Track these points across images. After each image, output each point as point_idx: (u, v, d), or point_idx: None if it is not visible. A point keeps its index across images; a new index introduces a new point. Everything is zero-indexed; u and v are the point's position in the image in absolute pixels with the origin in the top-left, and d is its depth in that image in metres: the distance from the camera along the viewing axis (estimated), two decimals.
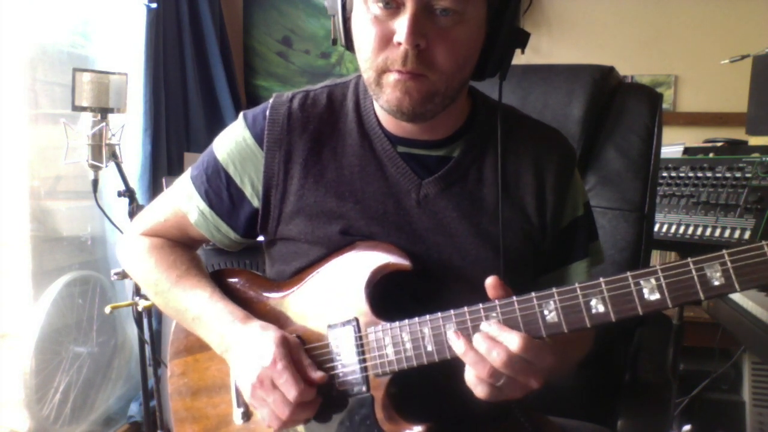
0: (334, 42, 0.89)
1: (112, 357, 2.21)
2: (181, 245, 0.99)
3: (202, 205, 0.94)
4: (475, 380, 0.73)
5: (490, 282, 0.75)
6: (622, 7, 2.74)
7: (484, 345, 0.72)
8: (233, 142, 0.93)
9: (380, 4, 0.76)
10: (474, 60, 0.83)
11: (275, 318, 0.90)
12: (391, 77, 0.78)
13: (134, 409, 2.26)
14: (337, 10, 0.84)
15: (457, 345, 0.74)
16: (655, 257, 2.32)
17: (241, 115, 0.95)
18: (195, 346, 0.96)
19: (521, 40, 0.85)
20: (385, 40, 0.77)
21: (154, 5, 2.22)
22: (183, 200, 0.95)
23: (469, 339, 0.74)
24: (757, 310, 1.36)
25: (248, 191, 0.92)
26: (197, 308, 0.90)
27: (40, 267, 1.96)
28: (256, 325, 0.86)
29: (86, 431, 2.09)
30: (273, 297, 0.92)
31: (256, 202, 0.92)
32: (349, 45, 0.85)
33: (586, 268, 0.96)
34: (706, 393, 2.16)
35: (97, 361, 2.12)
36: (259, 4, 3.00)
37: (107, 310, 1.75)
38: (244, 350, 0.84)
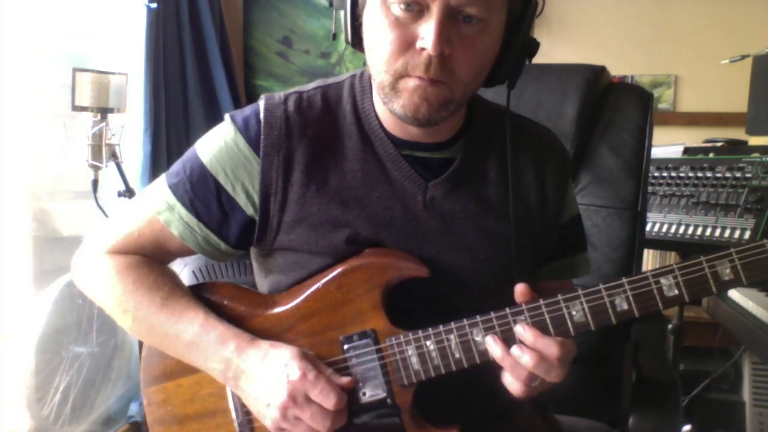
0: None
1: (112, 357, 2.21)
2: (157, 262, 0.90)
3: (188, 216, 0.85)
4: (512, 381, 0.76)
5: (520, 289, 0.76)
6: (622, 7, 2.75)
7: (526, 355, 0.74)
8: (223, 147, 0.85)
9: (402, 6, 0.73)
10: (489, 68, 0.82)
11: (276, 335, 0.84)
12: (411, 83, 0.76)
13: (134, 409, 2.26)
14: (346, 5, 0.80)
15: (495, 350, 0.76)
16: (656, 257, 2.32)
17: (227, 117, 0.87)
18: (175, 371, 0.89)
19: (533, 49, 0.84)
20: (406, 44, 0.74)
21: (154, 5, 2.22)
22: (161, 211, 0.86)
23: (504, 343, 0.76)
24: (757, 310, 1.37)
25: (241, 200, 0.85)
26: (191, 334, 0.82)
27: (40, 267, 1.96)
28: (266, 345, 0.81)
29: (86, 431, 2.09)
30: (271, 312, 0.86)
31: (250, 212, 0.86)
32: (356, 43, 0.82)
33: (586, 260, 0.99)
34: (706, 393, 2.16)
35: (97, 361, 2.11)
36: (259, 4, 3.00)
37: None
38: (262, 373, 0.78)
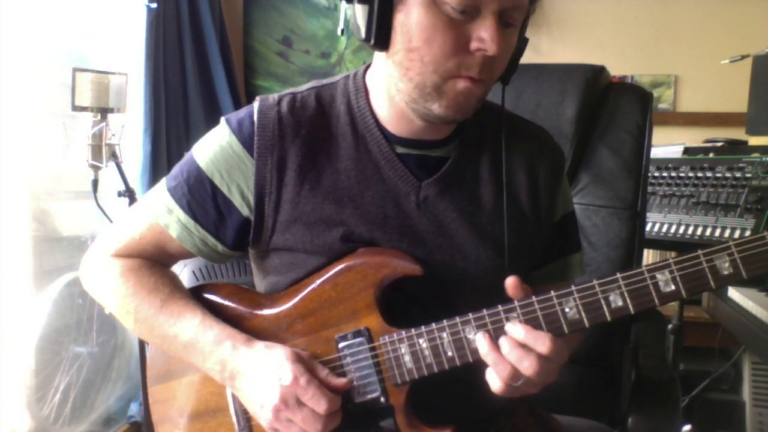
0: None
1: (112, 357, 2.21)
2: (159, 265, 0.92)
3: (185, 218, 0.87)
4: (495, 379, 0.74)
5: (510, 282, 0.75)
6: (622, 7, 2.74)
7: (515, 353, 0.73)
8: (218, 149, 0.87)
9: (458, 9, 0.73)
10: None
11: (274, 334, 0.85)
12: (460, 84, 0.77)
13: (134, 409, 2.26)
14: (374, 2, 0.76)
15: (482, 345, 0.75)
16: (655, 258, 2.32)
17: (223, 120, 0.89)
18: (180, 370, 0.91)
19: (524, 47, 0.87)
20: (461, 45, 0.75)
21: (154, 5, 2.22)
22: (161, 214, 0.88)
23: (493, 340, 0.75)
24: (757, 310, 1.36)
25: (237, 201, 0.86)
26: (189, 335, 0.84)
27: (40, 267, 1.96)
28: (261, 345, 0.82)
29: (86, 431, 2.09)
30: (269, 312, 0.87)
31: (246, 212, 0.87)
32: (382, 42, 0.78)
33: (580, 260, 0.99)
34: (706, 393, 2.16)
35: (97, 361, 2.12)
36: (259, 4, 3.00)
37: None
38: (256, 374, 0.80)
